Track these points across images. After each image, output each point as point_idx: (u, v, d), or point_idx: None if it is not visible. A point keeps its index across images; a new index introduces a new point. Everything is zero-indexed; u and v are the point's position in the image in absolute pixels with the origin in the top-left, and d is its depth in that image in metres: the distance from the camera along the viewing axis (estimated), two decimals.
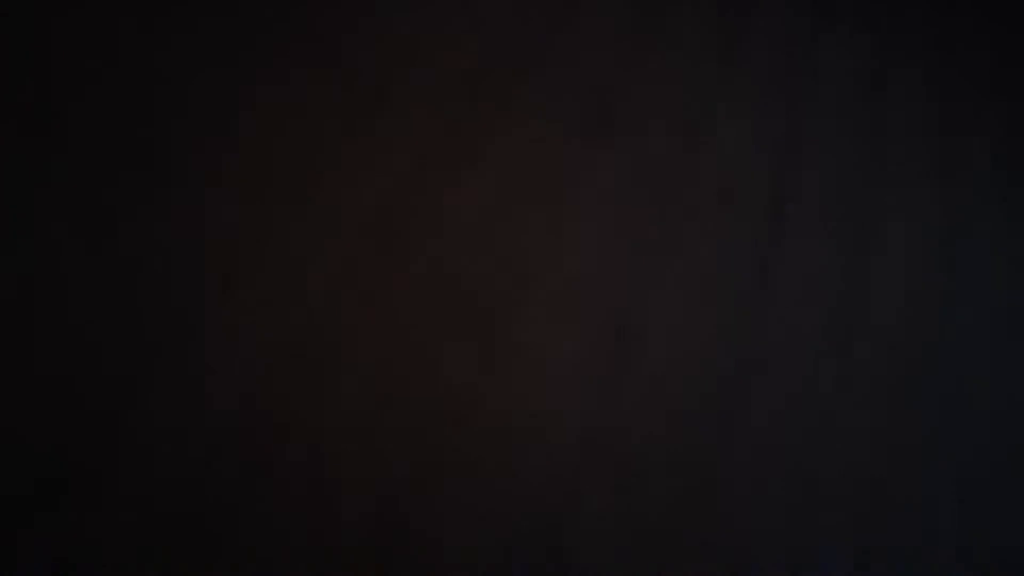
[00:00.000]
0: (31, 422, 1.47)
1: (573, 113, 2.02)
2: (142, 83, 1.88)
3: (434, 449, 1.64)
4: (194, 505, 1.48)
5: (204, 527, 1.47)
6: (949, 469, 1.92)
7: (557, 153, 2.00)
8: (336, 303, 1.72)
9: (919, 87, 2.39)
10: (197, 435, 1.53)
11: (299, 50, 2.01)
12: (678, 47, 2.16)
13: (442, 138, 1.96)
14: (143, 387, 1.55)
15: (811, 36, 2.38)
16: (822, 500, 1.78)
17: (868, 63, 2.35)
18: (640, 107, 2.05)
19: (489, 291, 1.83)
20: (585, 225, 1.90)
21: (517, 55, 2.10)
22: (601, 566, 1.64)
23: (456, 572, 1.55)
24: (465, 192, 1.92)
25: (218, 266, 1.70)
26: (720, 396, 1.80)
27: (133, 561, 1.41)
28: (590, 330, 1.83)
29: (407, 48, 2.08)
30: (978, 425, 1.96)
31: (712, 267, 1.93)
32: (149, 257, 1.68)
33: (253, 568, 1.45)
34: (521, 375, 1.75)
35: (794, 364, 1.88)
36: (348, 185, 1.87)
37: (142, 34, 1.93)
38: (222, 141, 1.85)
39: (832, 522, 1.78)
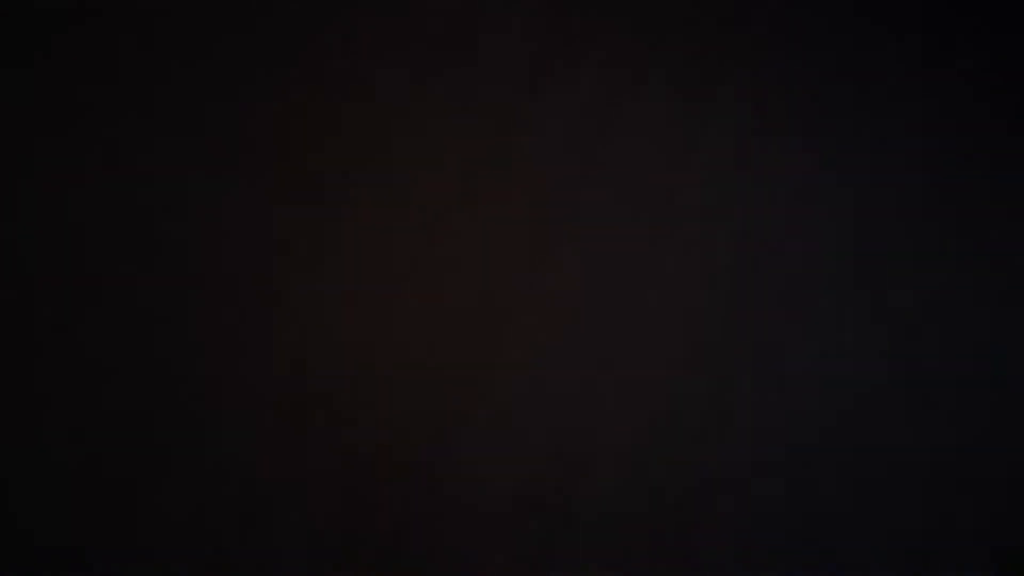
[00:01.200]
0: (69, 435, 1.55)
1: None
2: (148, 94, 1.92)
3: (438, 445, 1.72)
4: (217, 504, 1.56)
5: (223, 527, 1.54)
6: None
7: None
8: (351, 311, 1.79)
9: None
10: (219, 437, 1.61)
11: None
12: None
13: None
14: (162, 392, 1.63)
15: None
16: None
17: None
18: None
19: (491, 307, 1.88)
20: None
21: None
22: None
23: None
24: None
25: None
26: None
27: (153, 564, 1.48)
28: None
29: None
30: None
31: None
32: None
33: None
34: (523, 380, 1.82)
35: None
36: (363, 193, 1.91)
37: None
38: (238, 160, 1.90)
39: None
